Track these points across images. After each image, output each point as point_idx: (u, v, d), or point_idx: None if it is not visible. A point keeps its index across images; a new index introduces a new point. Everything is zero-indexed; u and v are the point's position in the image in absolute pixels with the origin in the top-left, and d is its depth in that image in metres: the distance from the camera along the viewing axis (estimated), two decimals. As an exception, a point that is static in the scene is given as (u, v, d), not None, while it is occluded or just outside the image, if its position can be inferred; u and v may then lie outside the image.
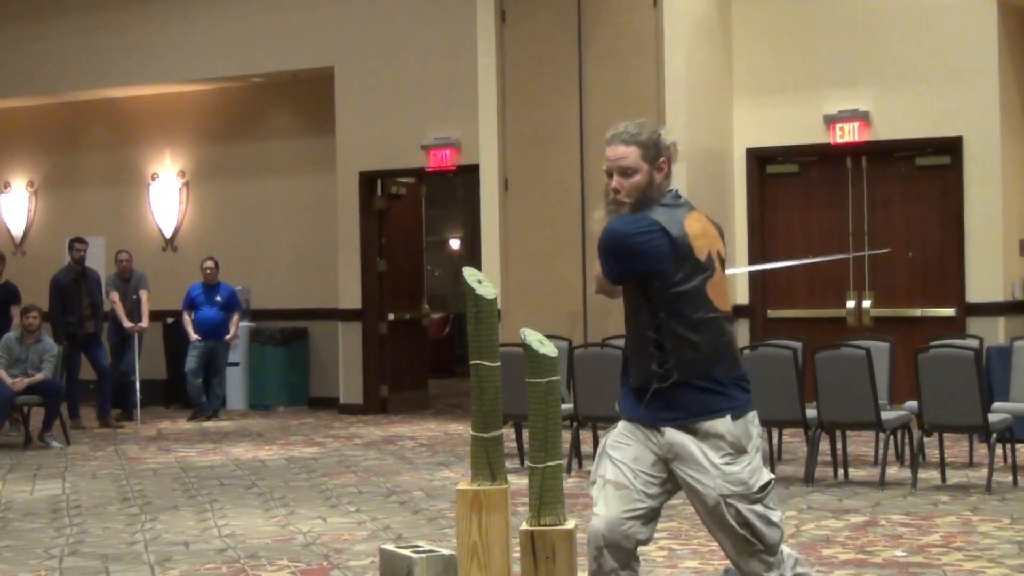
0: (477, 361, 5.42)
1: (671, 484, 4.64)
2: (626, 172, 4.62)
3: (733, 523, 4.45)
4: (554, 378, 5.31)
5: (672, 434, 4.53)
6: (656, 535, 7.80)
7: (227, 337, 15.31)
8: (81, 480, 10.73)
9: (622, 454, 4.60)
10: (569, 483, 8.97)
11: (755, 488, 4.47)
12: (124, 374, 15.00)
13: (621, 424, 4.68)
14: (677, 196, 4.68)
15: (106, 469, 11.37)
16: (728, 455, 4.48)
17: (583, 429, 10.67)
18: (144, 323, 15.06)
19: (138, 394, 14.94)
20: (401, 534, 7.98)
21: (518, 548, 5.22)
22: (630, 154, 4.63)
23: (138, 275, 15.34)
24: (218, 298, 15.30)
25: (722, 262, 4.65)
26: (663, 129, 4.73)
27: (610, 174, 4.65)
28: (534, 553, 5.18)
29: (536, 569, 5.16)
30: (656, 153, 4.64)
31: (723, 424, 4.50)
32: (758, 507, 4.46)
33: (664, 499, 4.66)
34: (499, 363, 5.50)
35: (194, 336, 15.20)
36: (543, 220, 13.42)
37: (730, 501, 4.45)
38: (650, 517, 4.63)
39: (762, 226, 13.62)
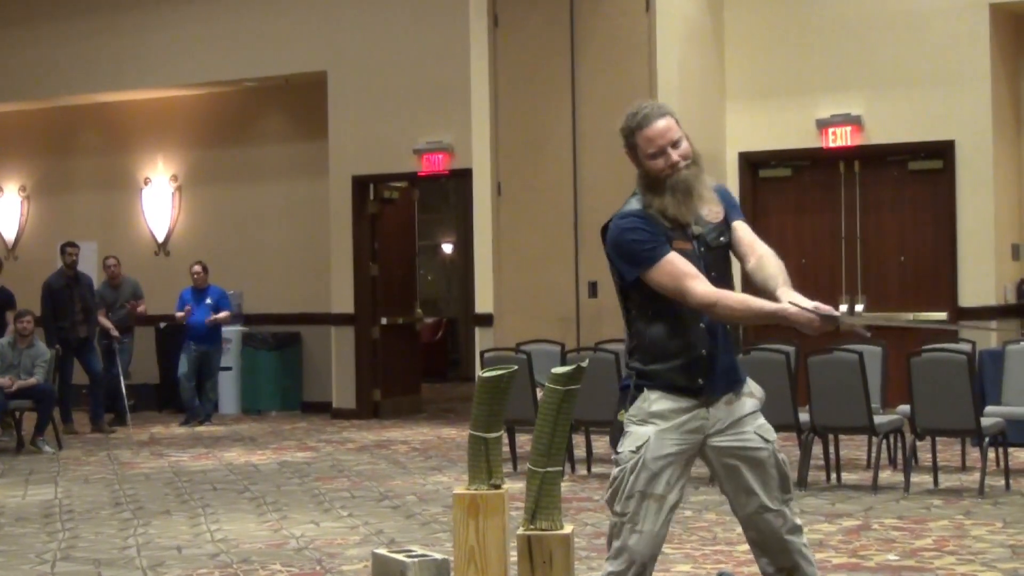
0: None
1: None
2: (676, 143, 4.53)
3: (777, 470, 4.57)
4: (574, 387, 5.32)
5: (723, 403, 4.57)
6: (650, 539, 7.81)
7: (215, 317, 15.14)
8: (74, 485, 10.71)
9: (661, 465, 4.54)
10: (563, 487, 8.96)
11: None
12: (115, 377, 14.98)
13: (654, 433, 4.55)
14: None
15: (99, 474, 11.35)
16: (758, 411, 4.64)
17: (576, 433, 10.67)
18: (142, 308, 15.10)
19: (126, 399, 14.91)
20: (394, 539, 7.98)
21: (514, 553, 5.22)
22: (672, 124, 4.56)
23: (131, 283, 15.31)
24: (208, 301, 15.27)
25: None
26: None
27: (660, 154, 4.51)
28: (531, 558, 5.18)
29: (533, 574, 5.17)
30: (678, 121, 4.63)
31: (751, 383, 4.66)
32: (782, 454, 4.65)
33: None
34: (516, 368, 5.54)
35: (180, 313, 15.13)
36: (536, 224, 13.43)
37: (774, 447, 4.60)
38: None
39: (754, 230, 13.58)
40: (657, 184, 4.52)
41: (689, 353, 4.51)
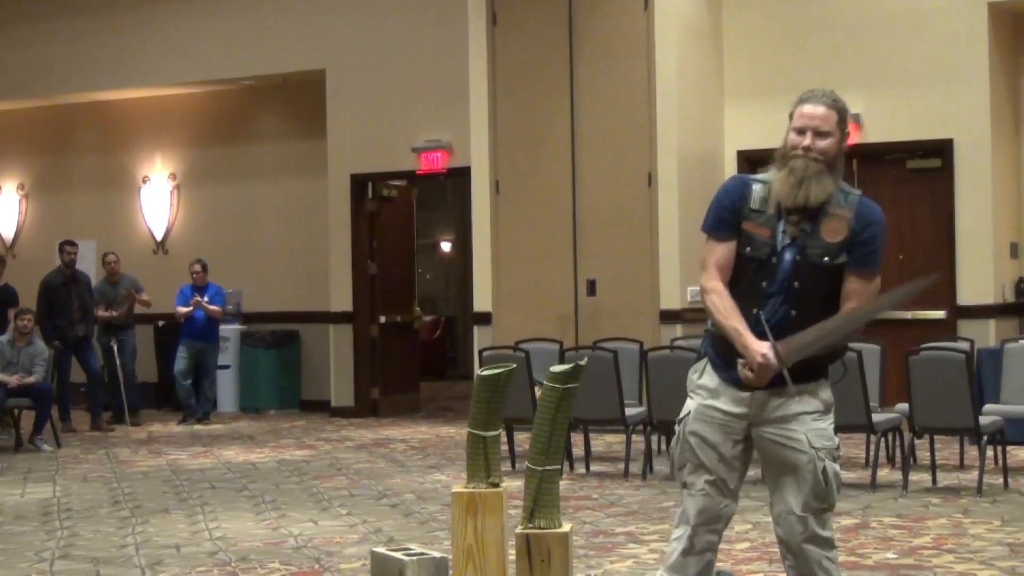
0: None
1: (747, 456, 4.73)
2: (822, 134, 4.58)
3: (813, 477, 4.57)
4: (573, 386, 5.32)
5: (775, 394, 4.60)
6: (648, 538, 7.84)
7: (204, 304, 15.11)
8: (72, 483, 10.71)
9: (700, 438, 4.66)
10: (561, 486, 8.96)
11: (837, 446, 4.67)
12: (126, 374, 14.97)
13: (695, 408, 4.67)
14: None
15: (97, 472, 11.35)
16: (818, 412, 4.64)
17: (574, 432, 10.67)
18: (145, 298, 15.11)
19: (124, 397, 14.90)
20: (392, 537, 7.98)
21: (512, 551, 5.22)
22: (830, 117, 4.60)
23: (130, 280, 15.30)
24: (206, 299, 15.27)
25: None
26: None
27: (802, 131, 4.59)
28: (529, 556, 5.18)
29: (531, 572, 5.17)
30: (846, 125, 4.68)
31: (822, 385, 4.70)
32: (837, 465, 4.64)
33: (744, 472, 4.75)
34: (515, 366, 5.54)
35: (182, 310, 15.13)
36: (534, 223, 13.43)
37: (821, 455, 4.59)
38: (736, 494, 4.73)
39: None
40: (783, 158, 4.61)
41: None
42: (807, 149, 4.54)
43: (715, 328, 4.66)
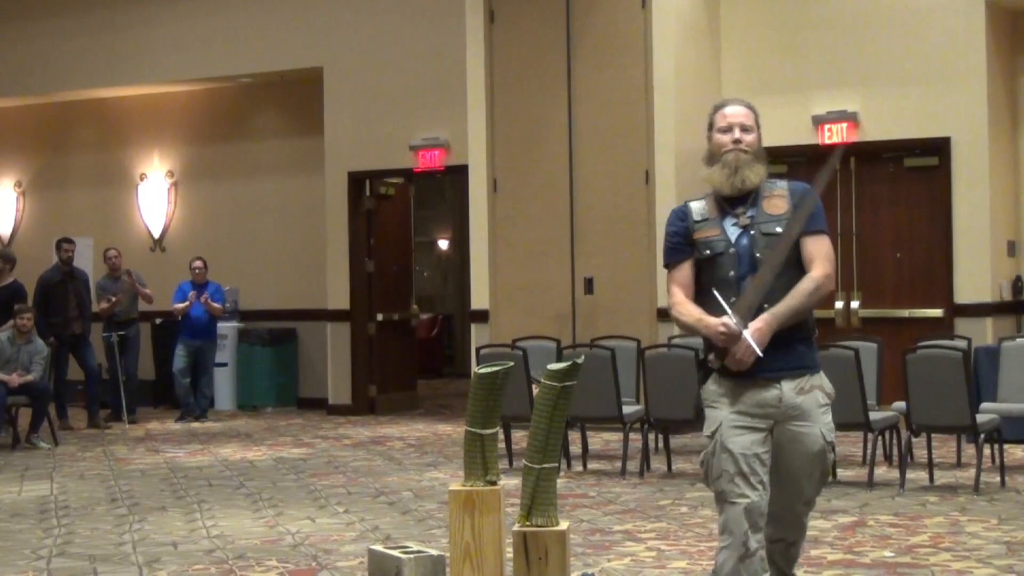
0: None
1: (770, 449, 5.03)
2: (746, 129, 5.14)
3: (822, 466, 5.08)
4: (571, 383, 5.33)
5: (794, 391, 4.98)
6: (644, 536, 7.84)
7: (209, 302, 15.15)
8: (69, 481, 10.71)
9: (736, 444, 4.91)
10: (559, 484, 8.97)
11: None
12: (128, 371, 14.97)
13: (726, 417, 4.95)
14: None
15: (94, 470, 11.35)
16: (826, 405, 5.09)
17: (572, 430, 10.67)
18: (147, 291, 15.11)
19: (123, 396, 14.89)
20: (390, 535, 7.98)
21: (510, 549, 5.22)
22: (750, 115, 5.20)
23: (135, 274, 15.27)
24: (207, 296, 15.26)
25: None
26: None
27: (729, 130, 5.14)
28: (527, 554, 5.18)
29: (529, 570, 5.17)
30: (759, 123, 5.26)
31: (823, 378, 5.11)
32: (832, 455, 5.16)
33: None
34: (512, 364, 5.56)
35: (180, 307, 15.13)
36: (532, 221, 13.43)
37: (830, 447, 5.07)
38: (767, 485, 5.00)
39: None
40: (713, 158, 5.16)
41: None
42: (736, 142, 5.11)
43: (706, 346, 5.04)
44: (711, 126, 5.23)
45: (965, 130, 12.57)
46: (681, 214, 5.17)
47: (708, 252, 5.06)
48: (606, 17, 13.15)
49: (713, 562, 6.77)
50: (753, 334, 4.84)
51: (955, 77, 12.63)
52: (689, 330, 5.08)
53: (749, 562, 4.87)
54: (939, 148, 12.73)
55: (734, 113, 5.18)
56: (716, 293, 4.94)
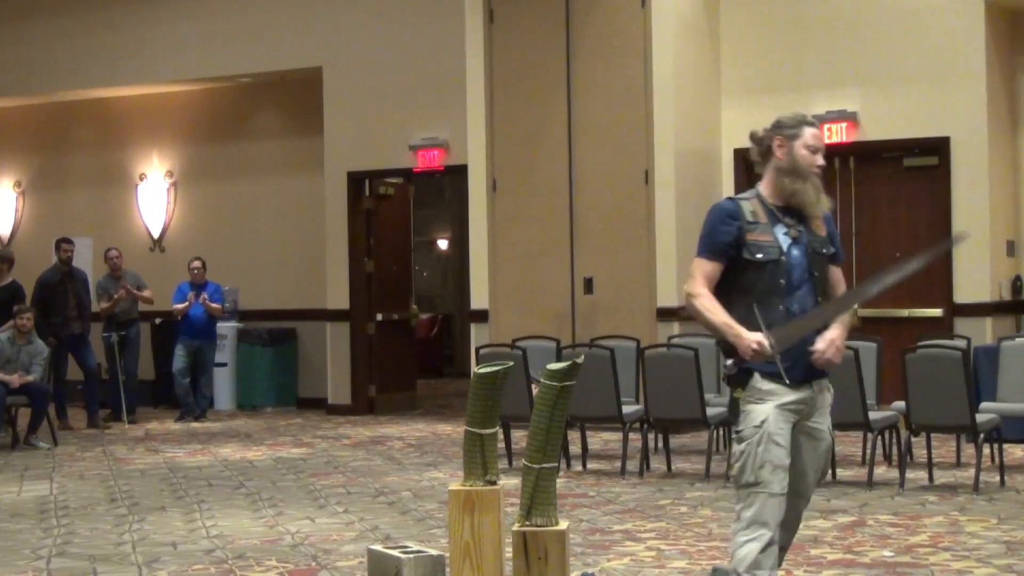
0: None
1: None
2: (823, 154, 5.31)
3: (827, 462, 5.43)
4: (570, 383, 5.33)
5: (816, 390, 5.24)
6: (644, 535, 7.84)
7: (208, 303, 15.15)
8: (69, 481, 10.71)
9: (780, 436, 5.10)
10: (558, 483, 8.97)
11: None
12: (127, 373, 14.97)
13: (773, 411, 5.08)
14: None
15: (94, 470, 11.35)
16: (831, 404, 5.39)
17: (571, 429, 10.67)
18: (147, 294, 15.10)
19: (123, 396, 14.89)
20: (389, 535, 7.98)
21: (510, 549, 5.22)
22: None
23: (132, 275, 15.29)
24: (205, 296, 15.26)
25: None
26: None
27: (817, 151, 5.26)
28: (526, 554, 5.19)
29: (528, 570, 5.18)
30: None
31: (827, 378, 5.34)
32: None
33: None
34: (512, 364, 5.56)
35: (180, 307, 15.14)
36: (531, 220, 13.44)
37: (833, 443, 5.46)
38: None
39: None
40: (801, 173, 5.23)
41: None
42: (820, 167, 5.24)
43: (716, 337, 5.20)
44: (793, 137, 5.23)
45: (964, 130, 12.57)
46: (734, 212, 5.21)
47: (760, 256, 5.15)
48: (606, 17, 13.15)
49: (711, 562, 6.78)
50: (837, 340, 5.13)
51: (954, 77, 12.63)
52: (707, 326, 5.15)
53: (770, 551, 5.03)
54: (938, 148, 12.73)
55: (818, 135, 5.27)
56: (757, 310, 5.04)
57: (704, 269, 5.19)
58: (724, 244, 5.17)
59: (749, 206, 5.23)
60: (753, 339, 4.97)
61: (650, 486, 9.75)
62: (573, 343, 12.33)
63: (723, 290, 5.18)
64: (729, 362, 5.10)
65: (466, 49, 13.80)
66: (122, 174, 17.91)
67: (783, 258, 5.15)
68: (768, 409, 5.08)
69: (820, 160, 5.24)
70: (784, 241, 5.18)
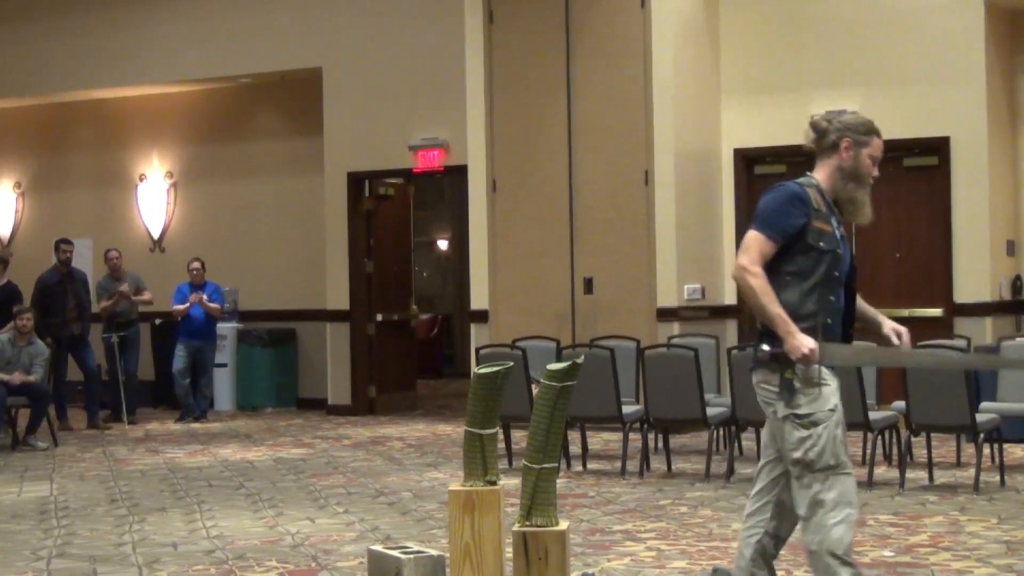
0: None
1: None
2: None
3: None
4: (570, 384, 5.32)
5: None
6: (644, 535, 7.84)
7: (206, 303, 15.16)
8: (69, 481, 10.71)
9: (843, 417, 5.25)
10: (559, 484, 8.97)
11: None
12: (128, 373, 14.97)
13: (836, 391, 5.18)
14: None
15: (94, 471, 11.35)
16: None
17: (571, 429, 10.67)
18: (147, 296, 15.10)
19: (123, 397, 14.89)
20: (389, 535, 7.98)
21: (510, 549, 5.21)
22: None
23: (133, 277, 15.28)
24: (204, 297, 15.26)
25: None
26: None
27: (877, 162, 5.37)
28: (527, 554, 5.18)
29: (528, 570, 5.17)
30: None
31: None
32: None
33: None
34: (512, 364, 5.55)
35: (180, 308, 15.15)
36: (531, 221, 13.44)
37: None
38: None
39: (749, 226, 13.61)
40: (862, 180, 5.33)
41: (817, 317, 5.17)
42: (874, 178, 5.35)
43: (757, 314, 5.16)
44: (862, 144, 5.33)
45: (964, 130, 12.57)
46: (804, 198, 5.23)
47: (822, 245, 5.19)
48: (605, 17, 13.15)
49: (711, 562, 6.78)
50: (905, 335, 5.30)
51: (954, 77, 12.63)
52: (757, 307, 5.12)
53: (852, 529, 5.16)
54: (938, 148, 12.73)
55: (882, 147, 5.38)
56: (829, 322, 5.15)
57: (763, 248, 5.17)
58: (792, 227, 5.18)
59: (813, 194, 5.27)
60: (807, 345, 5.01)
61: (650, 486, 9.75)
62: (573, 343, 12.33)
63: (770, 268, 5.19)
64: (765, 347, 5.12)
65: (466, 49, 13.80)
66: (122, 175, 17.91)
67: (839, 250, 5.22)
68: (836, 390, 5.15)
69: (876, 172, 5.35)
70: (839, 234, 5.26)
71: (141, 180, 17.77)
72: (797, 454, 5.12)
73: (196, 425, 14.84)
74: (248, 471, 11.08)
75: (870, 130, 5.34)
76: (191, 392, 15.25)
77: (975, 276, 12.54)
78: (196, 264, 15.47)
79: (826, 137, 5.36)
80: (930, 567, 6.86)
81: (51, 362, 13.53)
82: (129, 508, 9.28)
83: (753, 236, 5.23)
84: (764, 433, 5.42)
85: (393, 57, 15.20)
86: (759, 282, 5.11)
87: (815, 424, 5.09)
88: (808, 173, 5.41)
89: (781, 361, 5.09)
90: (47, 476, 11.06)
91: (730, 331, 13.35)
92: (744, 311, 5.22)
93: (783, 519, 5.32)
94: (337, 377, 15.68)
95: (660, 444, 11.09)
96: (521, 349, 10.74)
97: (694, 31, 13.40)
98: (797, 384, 5.08)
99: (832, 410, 5.13)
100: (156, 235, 17.68)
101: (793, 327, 5.03)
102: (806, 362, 5.03)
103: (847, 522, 5.10)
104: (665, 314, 12.78)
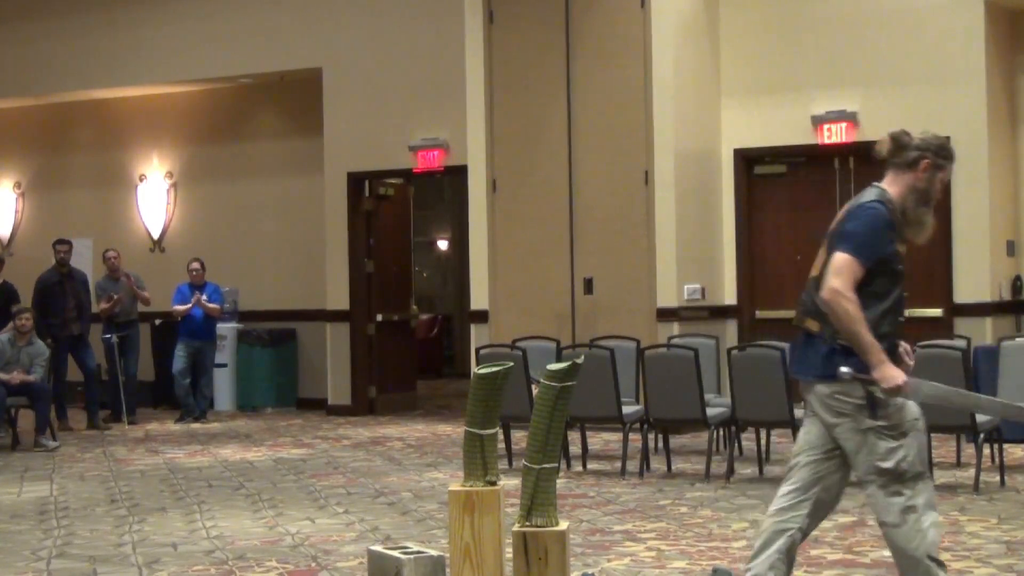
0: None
1: None
2: None
3: None
4: (570, 384, 5.32)
5: None
6: (644, 536, 7.84)
7: (206, 303, 15.18)
8: (69, 482, 10.71)
9: None
10: (558, 484, 8.96)
11: None
12: (128, 374, 14.98)
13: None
14: None
15: (94, 471, 11.35)
16: None
17: (571, 430, 10.67)
18: (145, 295, 15.09)
19: (123, 397, 14.89)
20: (389, 535, 7.98)
21: (510, 549, 5.21)
22: None
23: (133, 276, 15.25)
24: (204, 298, 15.27)
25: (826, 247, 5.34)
26: None
27: (942, 188, 5.39)
28: (527, 554, 5.18)
29: (528, 570, 5.17)
30: None
31: None
32: None
33: None
34: (512, 364, 5.55)
35: (180, 309, 15.16)
36: (531, 221, 13.43)
37: None
38: None
39: (749, 227, 13.64)
40: (930, 202, 5.34)
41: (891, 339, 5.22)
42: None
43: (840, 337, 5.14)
44: (939, 168, 5.32)
45: (964, 130, 12.55)
46: (893, 224, 5.24)
47: (899, 268, 5.25)
48: (605, 17, 13.15)
49: (711, 562, 6.78)
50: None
51: (954, 77, 12.63)
52: (848, 332, 5.08)
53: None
54: (938, 148, 12.70)
55: (951, 173, 5.37)
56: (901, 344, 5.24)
57: (856, 272, 5.11)
58: (884, 254, 5.18)
59: (896, 217, 5.27)
60: (899, 378, 5.04)
61: (650, 486, 9.75)
62: (573, 343, 12.33)
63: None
64: (846, 369, 5.11)
65: (466, 49, 13.80)
66: (122, 175, 17.91)
67: (902, 269, 5.26)
68: (915, 406, 5.23)
69: (939, 193, 5.36)
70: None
71: (141, 180, 17.77)
72: (887, 464, 5.15)
73: (196, 425, 14.84)
74: (248, 471, 11.08)
75: (950, 156, 5.35)
76: (191, 392, 15.25)
77: (975, 276, 12.55)
78: (196, 264, 15.48)
79: (905, 153, 5.34)
80: (930, 567, 6.85)
81: (51, 362, 13.53)
82: (129, 508, 9.28)
83: (846, 260, 5.13)
84: (805, 434, 5.37)
85: (393, 57, 15.20)
86: (854, 308, 5.08)
87: (904, 434, 5.17)
88: (877, 184, 5.35)
89: (858, 380, 5.13)
90: (47, 476, 11.06)
91: (730, 331, 13.35)
92: (806, 322, 5.09)
93: (815, 518, 5.37)
94: (337, 377, 15.68)
95: (660, 444, 11.09)
96: (521, 349, 10.74)
97: (694, 31, 13.40)
98: (890, 400, 5.14)
99: (916, 419, 5.23)
100: (156, 235, 17.68)
101: (884, 356, 5.07)
102: (895, 395, 5.07)
103: (936, 525, 5.22)
104: (665, 314, 12.78)
